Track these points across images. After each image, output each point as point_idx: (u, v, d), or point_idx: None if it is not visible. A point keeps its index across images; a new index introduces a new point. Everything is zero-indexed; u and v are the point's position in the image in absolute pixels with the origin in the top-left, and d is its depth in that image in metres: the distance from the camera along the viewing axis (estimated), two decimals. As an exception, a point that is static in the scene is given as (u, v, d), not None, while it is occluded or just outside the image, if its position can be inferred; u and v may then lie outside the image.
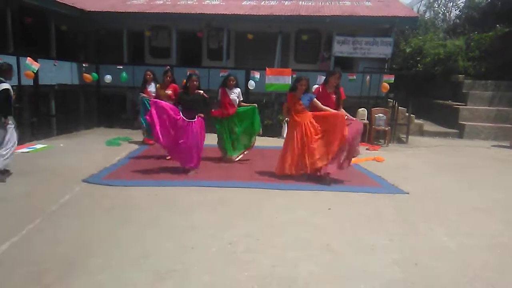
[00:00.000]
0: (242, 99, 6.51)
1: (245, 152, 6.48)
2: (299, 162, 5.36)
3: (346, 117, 5.25)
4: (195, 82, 5.53)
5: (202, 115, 5.58)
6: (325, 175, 5.25)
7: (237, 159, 6.43)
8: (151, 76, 7.71)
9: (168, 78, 7.06)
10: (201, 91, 5.61)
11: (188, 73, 9.12)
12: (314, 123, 5.31)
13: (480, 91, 11.74)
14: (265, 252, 3.15)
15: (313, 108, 5.42)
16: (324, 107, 5.34)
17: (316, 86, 8.13)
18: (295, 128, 5.38)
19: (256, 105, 6.44)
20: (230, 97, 6.25)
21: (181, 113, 5.45)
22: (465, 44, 13.24)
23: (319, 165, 5.25)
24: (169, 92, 6.88)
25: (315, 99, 5.39)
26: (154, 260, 2.94)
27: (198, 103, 5.56)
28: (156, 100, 5.62)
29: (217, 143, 6.52)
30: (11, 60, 8.17)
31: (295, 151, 5.34)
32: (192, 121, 5.44)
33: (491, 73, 12.27)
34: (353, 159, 5.59)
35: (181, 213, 4.00)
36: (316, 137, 5.27)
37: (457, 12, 21.33)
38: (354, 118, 5.41)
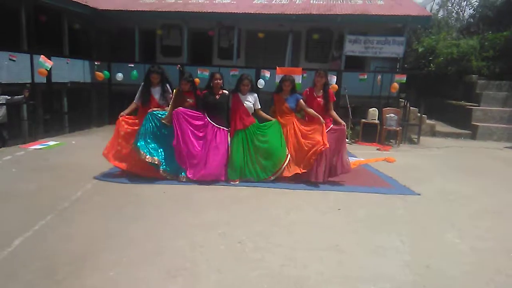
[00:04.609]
0: (259, 106, 5.24)
1: (272, 178, 5.13)
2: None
3: (330, 126, 5.14)
4: (218, 81, 4.98)
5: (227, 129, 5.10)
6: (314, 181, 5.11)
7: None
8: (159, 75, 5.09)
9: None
10: (227, 91, 5.11)
11: (198, 71, 9.26)
12: (298, 128, 5.22)
13: (494, 92, 11.53)
14: (274, 251, 3.14)
15: (300, 110, 5.33)
16: (309, 110, 5.22)
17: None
18: None
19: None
20: (245, 105, 5.06)
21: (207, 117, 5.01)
22: (479, 44, 13.00)
23: (293, 172, 5.12)
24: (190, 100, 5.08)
25: (301, 100, 5.28)
26: (165, 258, 2.95)
27: (224, 107, 5.08)
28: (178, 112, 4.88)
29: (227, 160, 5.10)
30: (25, 57, 8.37)
31: None
32: (220, 128, 5.03)
33: (506, 73, 12.04)
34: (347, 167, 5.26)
35: (191, 211, 4.02)
36: (295, 141, 5.17)
37: (471, 11, 20.95)
38: (343, 123, 5.23)
